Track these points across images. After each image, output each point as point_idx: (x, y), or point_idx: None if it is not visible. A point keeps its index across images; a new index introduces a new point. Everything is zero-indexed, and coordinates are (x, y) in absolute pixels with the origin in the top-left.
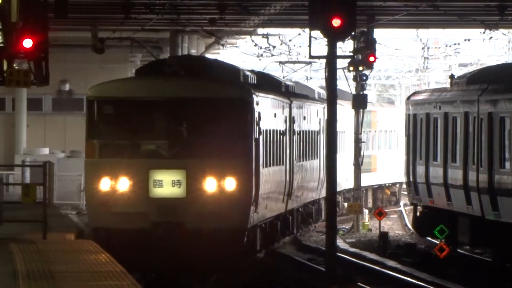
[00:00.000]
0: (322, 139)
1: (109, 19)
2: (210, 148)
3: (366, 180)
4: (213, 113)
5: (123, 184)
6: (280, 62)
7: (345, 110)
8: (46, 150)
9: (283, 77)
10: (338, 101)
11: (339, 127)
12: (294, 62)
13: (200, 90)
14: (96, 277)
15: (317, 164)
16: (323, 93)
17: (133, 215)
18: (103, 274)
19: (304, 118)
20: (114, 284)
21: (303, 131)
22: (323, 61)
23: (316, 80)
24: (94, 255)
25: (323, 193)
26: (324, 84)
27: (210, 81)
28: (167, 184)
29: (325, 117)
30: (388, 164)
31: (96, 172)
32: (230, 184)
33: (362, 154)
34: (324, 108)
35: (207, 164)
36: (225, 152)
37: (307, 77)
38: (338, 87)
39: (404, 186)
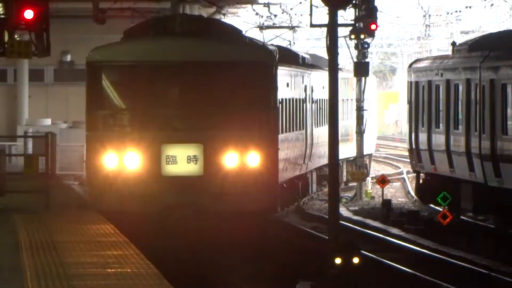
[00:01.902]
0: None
1: None
2: (230, 119)
3: (344, 152)
4: (234, 79)
5: (132, 161)
6: (261, 28)
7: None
8: (48, 121)
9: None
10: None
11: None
12: (274, 27)
13: (220, 53)
14: (99, 247)
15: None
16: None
17: (143, 196)
18: (106, 244)
19: (323, 87)
20: (118, 254)
21: (318, 99)
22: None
23: (298, 46)
24: (97, 225)
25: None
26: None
27: (231, 43)
28: (182, 160)
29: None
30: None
31: (100, 147)
32: (254, 159)
33: (364, 121)
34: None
35: (227, 137)
36: (247, 123)
37: (290, 42)
38: (321, 54)
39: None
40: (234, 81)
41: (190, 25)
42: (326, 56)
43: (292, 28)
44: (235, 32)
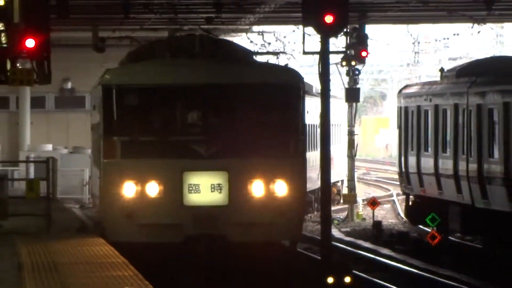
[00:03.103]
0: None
1: (109, 19)
2: (256, 145)
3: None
4: (261, 102)
5: (152, 190)
6: (253, 54)
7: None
8: (49, 147)
9: None
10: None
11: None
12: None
13: (242, 74)
14: (99, 268)
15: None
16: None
17: (165, 227)
18: (105, 265)
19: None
20: (117, 275)
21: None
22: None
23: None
24: (97, 247)
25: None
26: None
27: (255, 64)
28: (205, 189)
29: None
30: (334, 161)
31: (118, 175)
32: (281, 188)
33: (355, 146)
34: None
35: (254, 164)
36: (274, 150)
37: None
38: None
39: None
40: (260, 105)
41: (209, 46)
42: (311, 82)
43: (277, 54)
44: (251, 54)
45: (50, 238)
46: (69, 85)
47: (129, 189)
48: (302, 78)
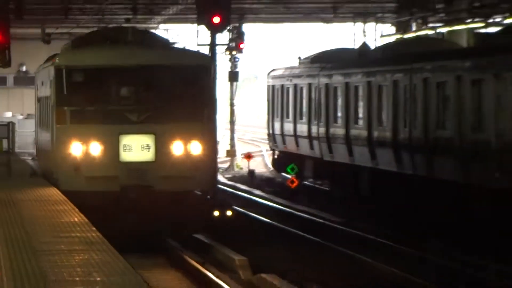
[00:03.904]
0: None
1: (54, 20)
2: (177, 113)
3: None
4: (178, 80)
5: (94, 149)
6: None
7: None
8: (9, 114)
9: None
10: None
11: None
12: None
13: (165, 58)
14: (50, 202)
15: None
16: None
17: (105, 179)
18: (50, 202)
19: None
20: (59, 208)
21: None
22: None
23: None
24: (45, 188)
25: None
26: None
27: (174, 49)
28: (136, 148)
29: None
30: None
31: (67, 137)
32: (196, 147)
33: (235, 114)
34: None
35: (175, 128)
36: (190, 117)
37: None
38: None
39: None
40: (180, 81)
41: (139, 36)
42: None
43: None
44: (169, 42)
45: (10, 181)
46: (24, 68)
47: (76, 149)
48: (212, 61)
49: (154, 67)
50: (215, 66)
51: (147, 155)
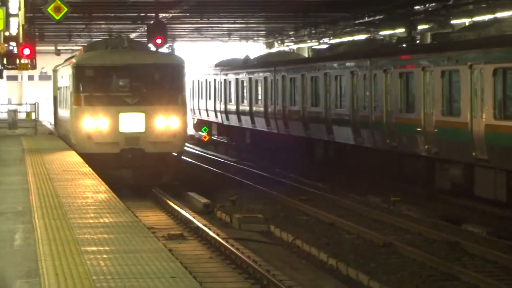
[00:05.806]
0: None
1: (62, 41)
2: (160, 99)
3: None
4: (160, 74)
5: (102, 123)
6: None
7: None
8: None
9: None
10: None
11: None
12: None
13: (151, 58)
14: (60, 149)
15: None
16: None
17: (109, 144)
18: (62, 147)
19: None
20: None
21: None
22: None
23: None
24: (59, 142)
25: None
26: None
27: (157, 52)
28: (132, 122)
29: None
30: None
31: (82, 114)
32: (174, 122)
33: None
34: None
35: (158, 109)
36: (169, 101)
37: None
38: None
39: None
40: (161, 75)
41: (131, 43)
42: None
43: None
44: (149, 48)
45: (37, 137)
46: (45, 70)
47: (88, 123)
48: (184, 61)
49: (143, 65)
50: (185, 65)
51: (139, 127)
